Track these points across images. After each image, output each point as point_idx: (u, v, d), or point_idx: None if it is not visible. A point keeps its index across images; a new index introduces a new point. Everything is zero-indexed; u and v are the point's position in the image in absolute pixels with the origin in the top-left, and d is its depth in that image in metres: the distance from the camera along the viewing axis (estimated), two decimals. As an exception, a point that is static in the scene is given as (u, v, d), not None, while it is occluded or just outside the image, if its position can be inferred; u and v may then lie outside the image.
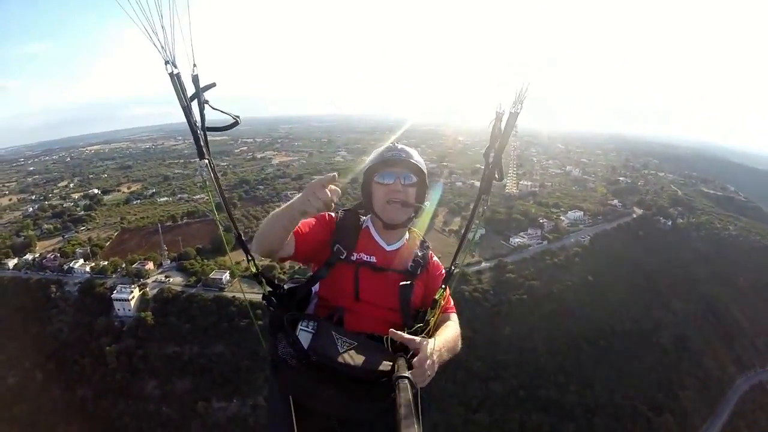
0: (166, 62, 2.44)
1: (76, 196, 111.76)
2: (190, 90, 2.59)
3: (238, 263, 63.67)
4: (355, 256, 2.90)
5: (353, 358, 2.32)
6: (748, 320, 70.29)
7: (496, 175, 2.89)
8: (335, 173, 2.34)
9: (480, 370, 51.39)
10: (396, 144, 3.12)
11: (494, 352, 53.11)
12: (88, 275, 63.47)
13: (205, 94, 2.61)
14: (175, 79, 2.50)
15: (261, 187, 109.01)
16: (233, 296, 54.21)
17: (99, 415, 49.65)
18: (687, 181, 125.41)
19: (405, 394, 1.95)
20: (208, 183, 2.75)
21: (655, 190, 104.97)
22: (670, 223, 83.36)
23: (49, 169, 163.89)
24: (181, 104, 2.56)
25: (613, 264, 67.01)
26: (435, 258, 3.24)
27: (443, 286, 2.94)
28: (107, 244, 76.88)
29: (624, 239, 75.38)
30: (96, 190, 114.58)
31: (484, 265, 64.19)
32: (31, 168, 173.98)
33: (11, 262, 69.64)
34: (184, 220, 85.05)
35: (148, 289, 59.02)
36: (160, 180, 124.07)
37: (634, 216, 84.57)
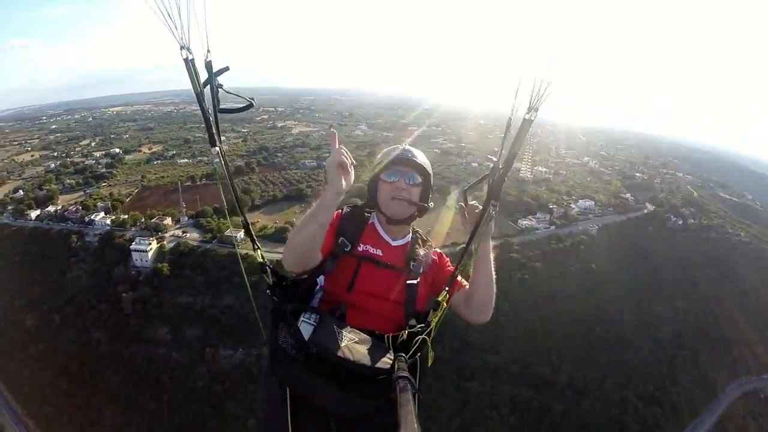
0: (181, 47, 2.54)
1: (97, 154, 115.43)
2: (203, 74, 2.72)
3: (253, 224, 66.57)
4: (361, 247, 3.03)
5: (353, 353, 2.38)
6: (750, 327, 69.85)
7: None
8: (333, 130, 2.61)
9: (476, 341, 53.04)
10: (404, 145, 3.22)
11: (491, 325, 52.70)
12: (108, 227, 66.64)
13: (218, 78, 2.70)
14: (190, 64, 2.61)
15: (279, 154, 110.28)
16: (246, 253, 55.87)
17: (112, 356, 52.65)
18: (704, 184, 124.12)
19: (405, 395, 2.09)
20: (218, 169, 2.86)
21: (671, 189, 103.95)
22: (681, 222, 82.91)
23: (71, 128, 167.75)
24: (194, 90, 2.67)
25: (618, 255, 67.27)
26: (445, 257, 3.37)
27: (446, 288, 2.98)
28: (128, 199, 79.87)
29: (632, 233, 75.61)
30: (117, 150, 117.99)
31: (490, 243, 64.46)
32: (54, 126, 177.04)
33: (33, 214, 73.46)
34: (203, 181, 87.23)
35: (165, 242, 61.85)
36: (180, 143, 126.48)
37: (646, 211, 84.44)
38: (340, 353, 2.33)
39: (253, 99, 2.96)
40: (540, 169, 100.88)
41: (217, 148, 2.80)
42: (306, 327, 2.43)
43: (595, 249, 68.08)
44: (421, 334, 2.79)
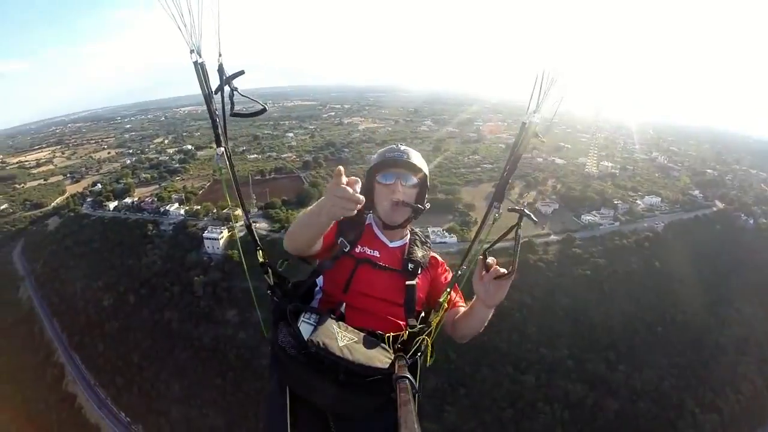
0: (191, 51, 2.64)
1: (171, 151, 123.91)
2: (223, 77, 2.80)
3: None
4: (359, 249, 3.14)
5: (352, 353, 2.46)
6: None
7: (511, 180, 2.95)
8: (339, 167, 2.29)
9: (533, 334, 53.23)
10: (399, 145, 3.30)
11: (550, 320, 54.63)
12: (182, 217, 72.16)
13: (230, 81, 2.81)
14: (199, 68, 2.72)
15: (346, 150, 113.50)
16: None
17: (182, 334, 56.56)
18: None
19: (405, 395, 2.16)
20: (223, 170, 3.02)
21: (742, 186, 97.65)
22: (751, 221, 78.96)
23: (145, 127, 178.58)
24: (203, 93, 2.81)
25: (683, 254, 65.35)
26: (439, 258, 3.49)
27: (448, 289, 3.08)
28: (200, 192, 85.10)
29: (699, 231, 72.88)
30: (189, 146, 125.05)
31: (552, 237, 66.40)
32: (128, 125, 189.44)
33: (112, 205, 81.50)
34: (272, 175, 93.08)
35: (235, 231, 65.14)
36: (250, 139, 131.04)
37: (714, 209, 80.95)
38: (339, 353, 2.41)
39: (267, 103, 3.08)
40: (606, 164, 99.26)
41: (222, 149, 2.95)
42: (305, 327, 2.51)
43: (659, 247, 66.50)
44: (422, 335, 2.90)
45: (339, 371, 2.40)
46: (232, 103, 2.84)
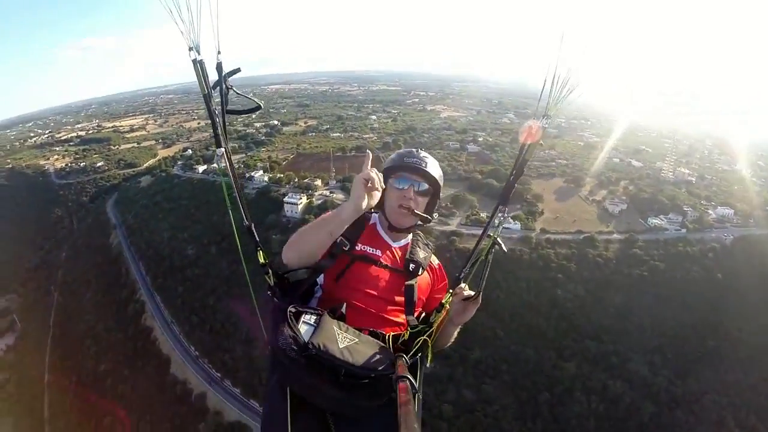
0: (190, 48, 2.69)
1: (258, 125, 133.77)
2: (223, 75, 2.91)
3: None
4: (359, 247, 3.23)
5: (353, 354, 2.50)
6: None
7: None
8: (368, 152, 2.80)
9: (581, 325, 56.08)
10: (418, 151, 3.43)
11: (599, 315, 57.12)
12: (266, 183, 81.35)
13: (226, 79, 2.92)
14: (198, 65, 2.77)
15: (426, 135, 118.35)
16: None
17: (256, 285, 62.98)
18: None
19: (405, 395, 2.22)
20: (223, 170, 3.09)
21: None
22: None
23: (234, 102, 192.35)
24: (202, 92, 2.87)
25: (749, 270, 64.29)
26: (437, 261, 3.62)
27: (450, 290, 3.17)
28: (284, 162, 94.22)
29: None
30: (276, 122, 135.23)
31: (615, 236, 68.26)
32: (217, 99, 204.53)
33: (201, 168, 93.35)
34: (353, 153, 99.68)
35: (314, 199, 73.92)
36: (334, 119, 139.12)
37: None
38: (339, 355, 2.45)
39: (261, 102, 3.35)
40: (683, 170, 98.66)
41: (223, 149, 3.05)
42: (306, 328, 2.56)
43: (725, 259, 66.72)
44: (423, 335, 3.02)
45: (339, 373, 2.47)
46: (226, 101, 3.03)
